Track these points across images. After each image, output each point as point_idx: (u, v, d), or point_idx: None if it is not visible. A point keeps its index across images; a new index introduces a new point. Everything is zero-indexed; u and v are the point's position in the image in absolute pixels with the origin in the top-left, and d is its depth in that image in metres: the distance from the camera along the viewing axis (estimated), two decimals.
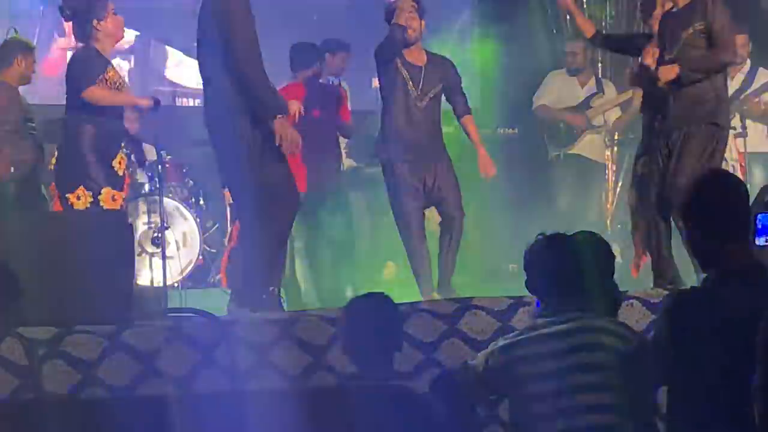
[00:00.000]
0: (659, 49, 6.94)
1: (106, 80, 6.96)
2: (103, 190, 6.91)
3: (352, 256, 8.41)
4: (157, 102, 7.38)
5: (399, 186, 7.47)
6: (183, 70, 10.80)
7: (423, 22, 7.57)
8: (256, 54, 6.47)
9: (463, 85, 7.78)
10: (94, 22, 6.99)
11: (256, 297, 6.54)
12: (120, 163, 7.08)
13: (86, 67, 6.98)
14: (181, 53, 10.67)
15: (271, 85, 6.65)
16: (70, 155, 6.99)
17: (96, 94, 6.91)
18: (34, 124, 8.20)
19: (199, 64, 6.71)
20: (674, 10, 6.89)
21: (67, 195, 6.93)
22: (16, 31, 8.33)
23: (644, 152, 6.94)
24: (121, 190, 7.05)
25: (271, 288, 6.67)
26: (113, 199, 6.94)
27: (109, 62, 7.10)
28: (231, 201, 7.90)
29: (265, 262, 6.62)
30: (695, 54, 6.77)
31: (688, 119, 6.76)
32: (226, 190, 7.69)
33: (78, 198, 6.88)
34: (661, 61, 6.87)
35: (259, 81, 6.49)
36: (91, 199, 6.89)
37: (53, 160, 7.28)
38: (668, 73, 6.73)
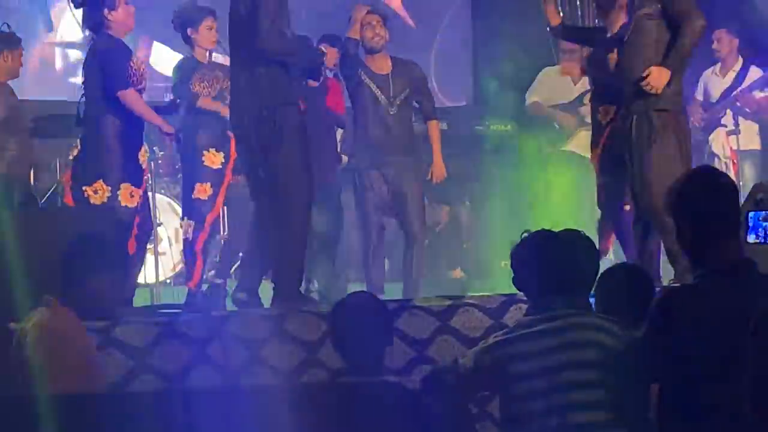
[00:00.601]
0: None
1: (133, 73, 6.96)
2: (122, 186, 6.88)
3: (335, 253, 8.38)
4: (177, 139, 7.39)
5: (365, 196, 7.57)
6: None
7: (386, 31, 7.70)
8: (277, 29, 6.54)
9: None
10: (106, 11, 6.97)
11: (294, 292, 6.57)
12: (143, 155, 7.08)
13: (118, 63, 6.96)
14: (170, 49, 10.65)
15: (300, 44, 6.76)
16: (93, 147, 6.94)
17: (131, 98, 6.91)
18: (23, 120, 8.18)
19: (231, 51, 6.79)
20: None
21: (84, 187, 6.89)
22: (8, 26, 8.30)
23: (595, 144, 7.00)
24: (140, 185, 7.03)
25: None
26: (131, 196, 6.91)
27: (132, 51, 7.12)
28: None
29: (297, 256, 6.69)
30: (646, 40, 6.71)
31: (644, 107, 6.72)
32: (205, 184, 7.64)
33: (95, 192, 6.85)
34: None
35: (283, 50, 6.60)
36: (109, 194, 6.85)
37: (74, 152, 7.24)
38: (659, 79, 6.66)
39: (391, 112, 7.57)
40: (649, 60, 6.66)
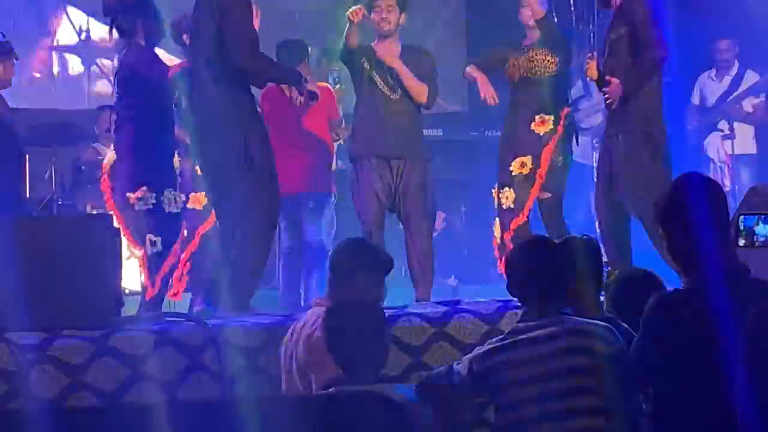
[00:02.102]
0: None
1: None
2: (165, 191, 6.85)
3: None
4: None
5: (362, 187, 7.30)
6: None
7: (403, 16, 7.35)
8: (251, 43, 6.52)
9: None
10: (139, 21, 6.98)
11: (244, 301, 6.56)
12: (176, 161, 7.11)
13: (153, 71, 6.99)
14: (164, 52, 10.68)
15: (277, 64, 6.78)
16: (132, 153, 6.88)
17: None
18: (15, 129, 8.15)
19: (194, 59, 6.76)
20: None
21: (127, 194, 6.85)
22: (3, 35, 8.27)
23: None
24: (179, 191, 7.04)
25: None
26: (175, 201, 6.90)
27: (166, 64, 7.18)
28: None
29: (256, 265, 6.65)
30: (620, 62, 6.73)
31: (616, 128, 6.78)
32: (200, 193, 7.59)
33: (140, 198, 6.82)
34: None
35: (264, 71, 6.63)
36: (154, 201, 6.84)
37: (111, 156, 7.23)
38: (615, 92, 6.69)
39: (393, 98, 7.36)
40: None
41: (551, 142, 7.24)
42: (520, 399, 4.10)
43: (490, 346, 4.22)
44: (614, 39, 6.77)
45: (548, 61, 7.25)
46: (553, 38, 7.34)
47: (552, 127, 7.24)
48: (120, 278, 6.42)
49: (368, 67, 7.32)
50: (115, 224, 6.64)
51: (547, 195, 7.29)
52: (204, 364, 5.76)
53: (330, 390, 4.26)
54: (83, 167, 9.25)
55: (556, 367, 4.08)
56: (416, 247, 7.27)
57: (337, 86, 8.68)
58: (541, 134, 7.24)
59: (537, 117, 7.25)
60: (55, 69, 10.86)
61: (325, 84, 8.54)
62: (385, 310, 4.62)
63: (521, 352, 4.13)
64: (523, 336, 4.17)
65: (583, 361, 4.09)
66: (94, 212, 8.54)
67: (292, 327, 5.08)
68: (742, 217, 5.23)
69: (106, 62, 10.58)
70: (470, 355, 4.28)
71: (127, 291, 7.83)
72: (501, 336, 4.25)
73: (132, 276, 8.52)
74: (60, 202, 9.04)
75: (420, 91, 7.31)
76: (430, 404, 4.26)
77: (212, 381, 5.73)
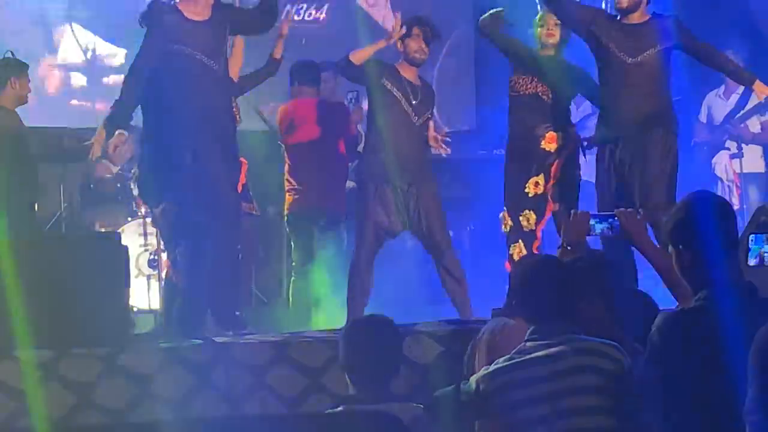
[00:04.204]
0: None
1: None
2: None
3: (340, 277, 8.33)
4: None
5: (368, 208, 7.18)
6: None
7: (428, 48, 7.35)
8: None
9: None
10: None
11: (233, 318, 6.59)
12: None
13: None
14: None
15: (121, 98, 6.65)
16: (149, 169, 6.82)
17: None
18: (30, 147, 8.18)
19: None
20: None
21: (153, 209, 6.85)
22: (12, 53, 8.30)
23: None
24: None
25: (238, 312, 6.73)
26: None
27: None
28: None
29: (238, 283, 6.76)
30: None
31: None
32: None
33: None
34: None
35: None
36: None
37: (135, 172, 7.23)
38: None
39: (415, 123, 7.32)
40: None
41: (560, 159, 7.24)
42: (526, 419, 4.09)
43: (498, 365, 4.21)
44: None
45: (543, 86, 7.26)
46: (562, 68, 7.32)
47: (561, 143, 7.25)
48: (128, 297, 6.43)
49: (389, 86, 7.28)
50: (123, 242, 6.66)
51: (558, 206, 7.27)
52: (212, 382, 5.77)
53: (339, 408, 4.26)
54: (92, 185, 9.26)
55: (564, 387, 4.07)
56: (461, 286, 7.24)
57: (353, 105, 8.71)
58: (552, 151, 7.25)
59: (547, 134, 7.25)
60: (62, 87, 10.88)
61: (342, 103, 8.59)
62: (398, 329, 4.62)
63: (529, 371, 4.12)
64: (531, 355, 4.16)
65: (591, 380, 4.08)
66: (103, 230, 8.57)
67: (472, 341, 5.01)
68: (751, 236, 5.22)
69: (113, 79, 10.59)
70: (477, 374, 4.27)
71: (135, 309, 7.86)
72: (509, 355, 4.24)
73: (140, 294, 8.56)
74: (68, 220, 9.06)
75: None
76: (439, 424, 4.25)
77: (220, 399, 5.74)
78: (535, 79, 7.27)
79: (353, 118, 8.54)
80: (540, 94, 7.28)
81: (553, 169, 7.24)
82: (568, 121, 7.40)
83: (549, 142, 7.26)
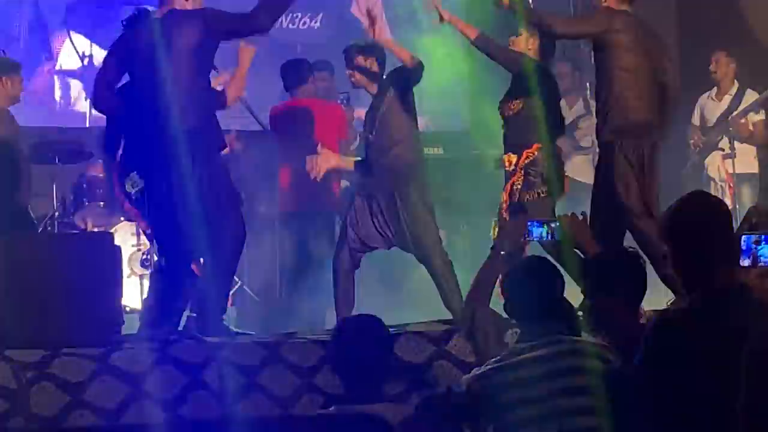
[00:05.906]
0: None
1: None
2: None
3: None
4: None
5: (356, 215, 7.25)
6: None
7: None
8: None
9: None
10: None
11: (218, 323, 6.58)
12: None
13: None
14: None
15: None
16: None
17: None
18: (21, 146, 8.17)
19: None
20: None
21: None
22: (4, 52, 8.31)
23: None
24: None
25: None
26: None
27: None
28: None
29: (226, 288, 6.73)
30: None
31: None
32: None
33: None
34: None
35: None
36: None
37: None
38: None
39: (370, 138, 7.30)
40: None
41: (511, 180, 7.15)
42: (518, 420, 4.09)
43: (488, 366, 4.21)
44: None
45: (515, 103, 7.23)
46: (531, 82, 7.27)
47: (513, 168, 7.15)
48: (120, 296, 6.42)
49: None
50: (116, 242, 6.64)
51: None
52: (204, 382, 5.77)
53: (330, 409, 4.26)
54: (85, 185, 9.25)
55: (554, 388, 4.08)
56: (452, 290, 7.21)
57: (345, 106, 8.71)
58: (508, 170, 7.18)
59: (505, 156, 7.21)
60: (57, 93, 10.90)
61: (336, 103, 8.58)
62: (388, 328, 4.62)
63: (519, 372, 4.12)
64: (521, 357, 4.16)
65: (581, 381, 4.08)
66: (95, 230, 8.56)
67: None
68: (744, 236, 5.22)
69: None
70: (468, 375, 4.27)
71: (127, 309, 7.84)
72: (500, 356, 4.24)
73: (133, 294, 8.54)
74: (61, 220, 9.04)
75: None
76: (429, 425, 4.25)
77: (212, 399, 5.73)
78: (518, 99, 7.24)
79: (345, 118, 8.54)
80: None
81: (507, 187, 7.17)
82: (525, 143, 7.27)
83: (507, 163, 7.20)
